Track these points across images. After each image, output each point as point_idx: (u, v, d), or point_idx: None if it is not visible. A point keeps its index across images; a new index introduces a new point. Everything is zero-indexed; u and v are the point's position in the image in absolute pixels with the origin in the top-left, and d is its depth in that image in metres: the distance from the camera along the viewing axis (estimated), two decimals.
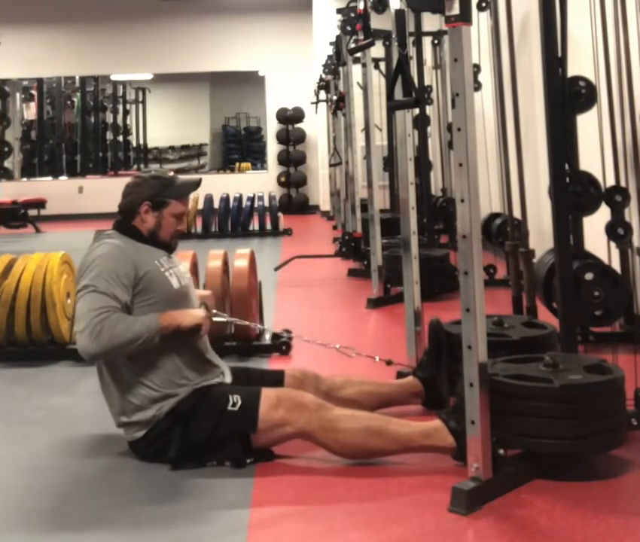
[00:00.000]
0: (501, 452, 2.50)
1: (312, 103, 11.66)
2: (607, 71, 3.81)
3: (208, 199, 10.56)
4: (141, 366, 2.83)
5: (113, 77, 16.40)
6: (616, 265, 3.84)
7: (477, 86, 6.07)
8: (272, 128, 14.88)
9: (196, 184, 3.05)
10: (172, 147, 18.74)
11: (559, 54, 3.26)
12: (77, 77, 16.12)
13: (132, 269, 2.84)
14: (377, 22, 5.29)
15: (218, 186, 11.66)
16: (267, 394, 2.80)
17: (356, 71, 7.04)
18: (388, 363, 3.44)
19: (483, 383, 2.43)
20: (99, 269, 2.79)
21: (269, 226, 10.68)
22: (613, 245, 3.74)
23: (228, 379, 3.01)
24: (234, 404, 2.79)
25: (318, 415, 2.74)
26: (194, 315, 2.90)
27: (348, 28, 6.06)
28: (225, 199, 10.57)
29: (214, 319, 3.09)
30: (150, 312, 2.83)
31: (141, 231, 2.96)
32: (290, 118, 14.52)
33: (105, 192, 13.99)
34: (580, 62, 3.96)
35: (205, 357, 2.98)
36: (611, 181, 3.74)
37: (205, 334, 2.95)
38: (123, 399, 2.85)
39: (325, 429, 2.73)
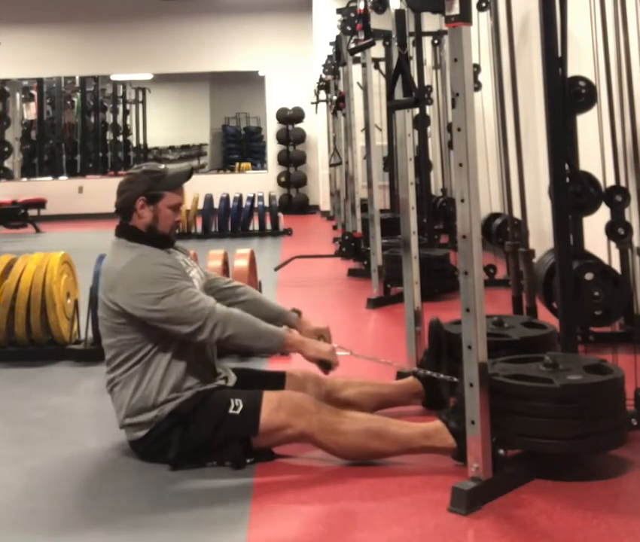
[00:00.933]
0: (501, 452, 2.50)
1: (312, 103, 11.66)
2: (607, 71, 3.82)
3: (208, 199, 10.56)
4: (153, 370, 2.83)
5: (113, 77, 16.40)
6: (616, 265, 3.84)
7: (477, 86, 6.07)
8: (272, 128, 14.89)
9: (188, 173, 3.03)
10: (172, 147, 18.74)
11: (559, 54, 3.26)
12: (77, 77, 16.12)
13: (175, 263, 2.91)
14: (377, 22, 5.29)
15: (218, 186, 11.68)
16: (269, 397, 2.80)
17: (356, 71, 7.04)
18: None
19: (483, 383, 2.43)
20: (161, 274, 2.81)
21: (269, 226, 10.68)
22: (613, 245, 3.74)
23: (231, 382, 3.02)
24: (235, 407, 2.79)
25: (318, 417, 2.74)
26: (319, 349, 2.90)
27: (348, 28, 6.06)
28: (225, 199, 10.58)
29: (337, 353, 2.96)
30: None
31: (140, 229, 2.95)
32: (290, 118, 14.52)
33: (105, 192, 13.90)
34: (580, 62, 3.96)
35: (211, 363, 2.99)
36: (611, 181, 3.74)
37: (336, 368, 2.93)
38: (130, 400, 2.84)
39: (325, 431, 2.73)
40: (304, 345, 2.90)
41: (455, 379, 2.88)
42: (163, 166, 3.05)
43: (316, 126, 13.32)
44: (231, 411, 2.78)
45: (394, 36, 3.67)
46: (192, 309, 2.78)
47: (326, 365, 2.91)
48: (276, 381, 3.07)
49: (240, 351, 4.16)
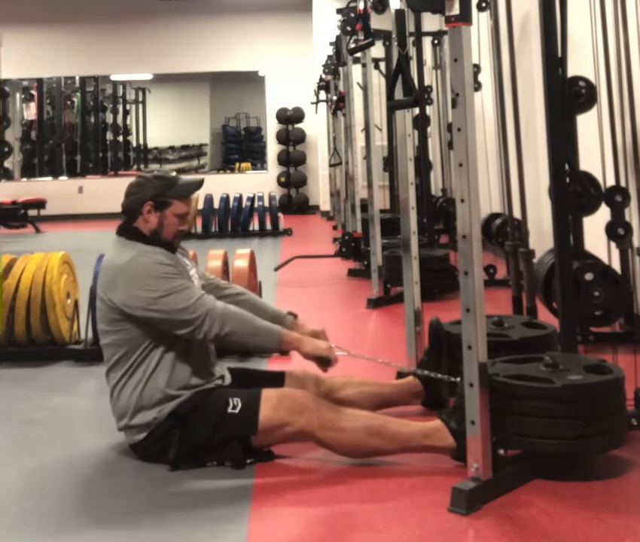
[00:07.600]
0: (501, 452, 2.50)
1: (312, 103, 11.68)
2: (607, 71, 3.81)
3: (208, 199, 10.57)
4: (150, 370, 2.83)
5: (113, 77, 16.40)
6: (616, 265, 3.84)
7: (477, 86, 6.07)
8: (272, 128, 14.89)
9: (199, 184, 3.05)
10: (172, 148, 18.75)
11: (559, 54, 3.26)
12: (77, 77, 16.12)
13: (175, 261, 2.92)
14: (377, 22, 5.29)
15: (218, 186, 11.66)
16: (268, 395, 2.80)
17: (356, 71, 7.04)
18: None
19: (483, 383, 2.43)
20: (161, 273, 2.82)
21: (269, 226, 10.69)
22: (613, 245, 3.74)
23: (227, 382, 3.02)
24: (234, 406, 2.78)
25: (318, 414, 2.74)
26: (317, 345, 2.90)
27: (348, 28, 6.05)
28: (225, 199, 10.58)
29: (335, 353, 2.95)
30: None
31: (144, 232, 2.95)
32: (290, 118, 14.53)
33: (105, 192, 14.02)
34: (580, 62, 3.96)
35: (209, 362, 2.99)
36: (611, 181, 3.74)
37: (335, 365, 2.92)
38: (127, 401, 2.84)
39: (325, 428, 2.73)
40: (301, 342, 2.90)
41: (454, 379, 2.88)
42: (174, 174, 3.06)
43: (316, 126, 13.32)
44: (230, 410, 2.78)
45: (394, 36, 3.68)
46: (191, 308, 2.78)
47: (324, 362, 2.90)
48: (275, 380, 3.07)
49: (238, 350, 4.17)
